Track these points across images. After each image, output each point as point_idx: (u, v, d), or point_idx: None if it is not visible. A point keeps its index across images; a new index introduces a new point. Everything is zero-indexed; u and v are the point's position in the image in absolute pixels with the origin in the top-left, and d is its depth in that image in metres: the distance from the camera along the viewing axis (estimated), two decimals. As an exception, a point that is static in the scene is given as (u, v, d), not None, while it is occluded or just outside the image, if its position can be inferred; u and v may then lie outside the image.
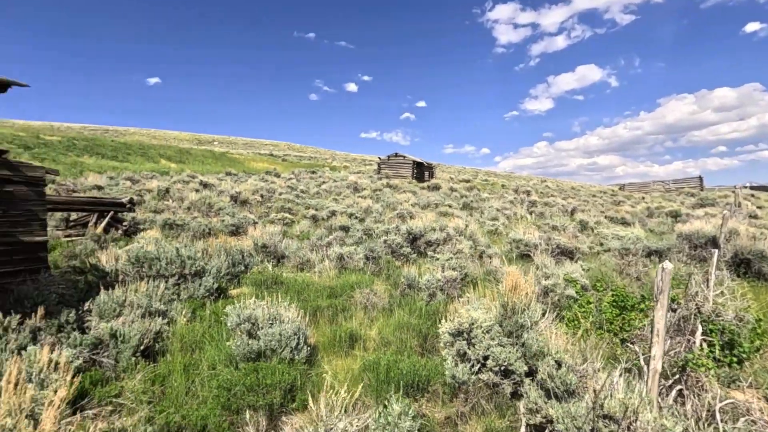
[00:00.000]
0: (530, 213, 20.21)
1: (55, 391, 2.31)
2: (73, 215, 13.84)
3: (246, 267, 8.48)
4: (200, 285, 6.44)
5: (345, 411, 2.87)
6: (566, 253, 10.41)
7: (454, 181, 36.79)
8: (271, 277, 7.67)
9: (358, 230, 12.26)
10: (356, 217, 15.63)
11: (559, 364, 3.55)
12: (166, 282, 6.18)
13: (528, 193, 28.31)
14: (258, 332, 4.25)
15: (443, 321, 4.51)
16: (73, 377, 2.62)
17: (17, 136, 28.59)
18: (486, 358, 4.00)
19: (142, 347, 4.31)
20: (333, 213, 16.04)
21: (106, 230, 12.29)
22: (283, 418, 3.39)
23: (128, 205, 13.35)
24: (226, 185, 21.86)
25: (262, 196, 20.31)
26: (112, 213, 12.76)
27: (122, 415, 3.32)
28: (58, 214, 13.48)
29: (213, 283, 6.56)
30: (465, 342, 4.11)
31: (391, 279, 7.95)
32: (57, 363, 2.85)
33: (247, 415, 3.09)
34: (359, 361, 4.44)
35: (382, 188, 26.55)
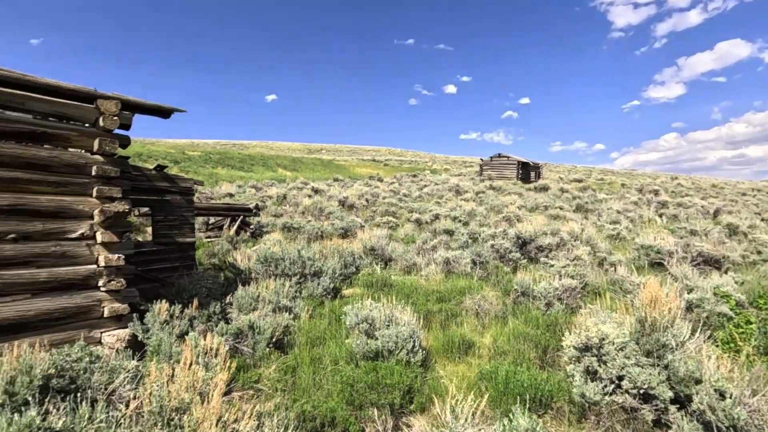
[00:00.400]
0: (659, 215, 17.79)
1: (217, 374, 2.69)
2: (211, 219, 15.99)
3: (357, 269, 8.89)
4: (318, 284, 6.93)
5: (468, 419, 2.81)
6: (711, 263, 8.93)
7: (564, 181, 34.14)
8: (381, 279, 7.92)
9: (462, 234, 12.06)
10: (460, 221, 15.40)
11: (722, 395, 3.03)
12: (290, 281, 6.78)
13: (656, 192, 24.98)
14: (375, 333, 4.42)
15: (566, 333, 4.19)
16: (229, 363, 3.02)
17: (168, 153, 34.11)
18: (620, 378, 3.61)
19: (273, 339, 4.77)
20: (436, 216, 16.02)
21: (237, 232, 13.96)
22: (404, 419, 3.46)
23: (254, 210, 14.99)
24: (334, 190, 23.27)
25: (367, 200, 21.17)
26: (241, 217, 14.45)
27: (261, 399, 3.70)
28: (200, 219, 15.71)
29: (329, 284, 7.00)
30: (594, 359, 3.75)
31: (501, 285, 7.64)
32: (217, 349, 3.31)
33: (375, 413, 3.22)
34: (474, 369, 4.33)
35: (485, 190, 25.76)
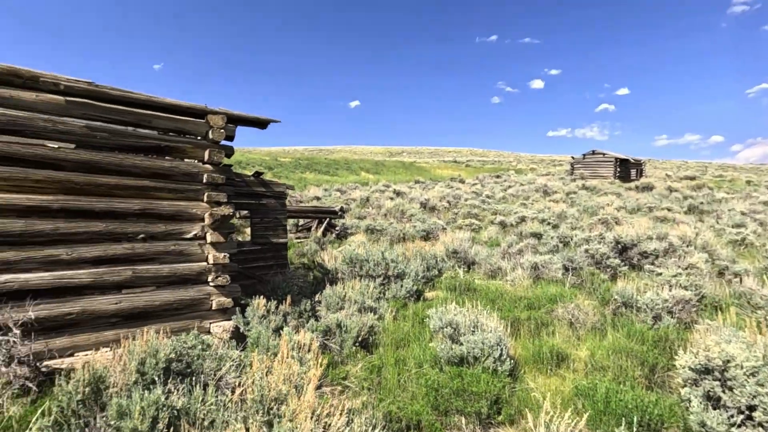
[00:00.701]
0: (800, 218, 14.98)
1: (310, 368, 2.85)
2: (301, 221, 17.02)
3: (439, 271, 8.82)
4: (401, 286, 6.99)
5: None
6: None
7: (672, 178, 30.44)
8: (464, 283, 7.76)
9: (552, 237, 11.33)
10: (549, 223, 14.50)
11: None
12: (374, 282, 6.94)
13: (794, 190, 21.11)
14: (460, 338, 4.33)
15: (679, 352, 3.71)
16: (321, 359, 3.18)
17: (263, 160, 37.08)
18: (752, 408, 3.10)
19: (359, 338, 4.92)
20: (522, 219, 15.28)
21: (323, 234, 14.68)
22: (491, 430, 3.34)
23: (339, 213, 15.64)
24: (416, 193, 23.36)
25: (448, 202, 20.92)
26: (328, 219, 15.17)
27: (349, 396, 3.83)
28: (291, 221, 16.81)
29: (412, 286, 7.03)
30: (717, 383, 3.27)
31: (597, 294, 7.02)
32: (309, 345, 3.52)
33: (461, 421, 3.16)
34: (568, 383, 4.03)
35: (577, 191, 23.95)
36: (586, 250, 8.95)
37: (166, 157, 5.01)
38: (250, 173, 9.24)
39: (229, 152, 5.38)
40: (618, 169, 32.88)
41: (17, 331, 3.58)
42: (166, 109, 4.92)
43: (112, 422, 2.55)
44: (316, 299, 6.23)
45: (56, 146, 4.19)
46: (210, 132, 5.16)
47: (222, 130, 5.23)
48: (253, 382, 2.67)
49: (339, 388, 4.02)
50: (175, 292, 4.76)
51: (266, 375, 2.73)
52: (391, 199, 21.03)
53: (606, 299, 6.53)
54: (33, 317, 3.74)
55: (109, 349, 4.06)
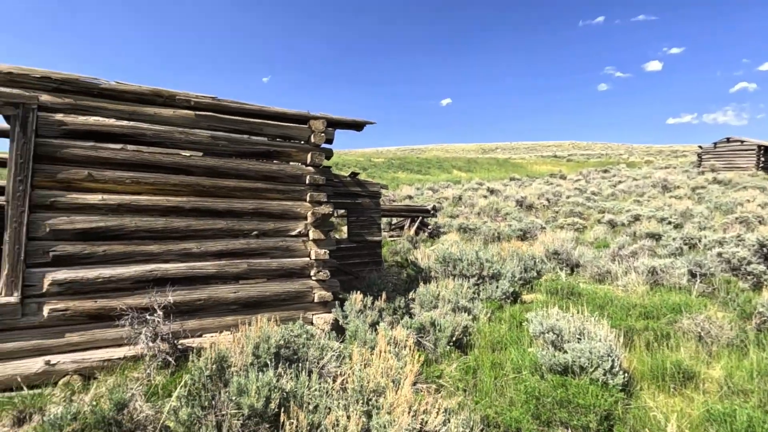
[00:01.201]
0: None
1: (406, 364, 2.90)
2: (394, 220, 17.36)
3: (538, 273, 8.33)
4: (497, 287, 6.75)
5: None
6: None
7: (841, 168, 24.76)
8: (566, 286, 7.22)
9: (673, 239, 9.98)
10: (669, 222, 12.79)
11: None
12: (468, 282, 6.80)
13: None
14: (564, 345, 4.04)
15: None
16: (417, 355, 3.23)
17: (358, 161, 38.61)
18: None
19: (453, 338, 4.86)
20: (636, 218, 13.70)
21: (416, 232, 14.79)
22: (601, 449, 3.05)
23: (432, 212, 15.63)
24: (511, 190, 22.35)
25: (547, 200, 19.63)
26: (420, 218, 15.25)
27: (443, 395, 3.81)
28: (384, 219, 17.25)
29: (508, 287, 6.74)
30: None
31: (734, 305, 6.01)
32: (405, 341, 3.58)
33: (566, 434, 2.95)
34: (698, 406, 3.51)
35: (706, 185, 20.75)
36: (720, 254, 7.71)
37: (274, 161, 5.48)
38: (346, 174, 9.70)
39: (329, 154, 5.71)
40: (761, 159, 27.68)
41: (160, 312, 4.22)
42: (275, 117, 5.39)
43: (233, 398, 2.87)
44: (410, 297, 6.30)
45: (188, 154, 4.85)
46: (312, 136, 5.53)
47: (322, 134, 5.56)
48: (352, 373, 2.79)
49: (433, 386, 4.01)
50: (282, 284, 5.20)
51: (364, 367, 2.84)
52: (485, 197, 20.40)
53: (747, 312, 5.56)
54: (171, 301, 4.38)
55: (229, 332, 4.58)
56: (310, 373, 3.32)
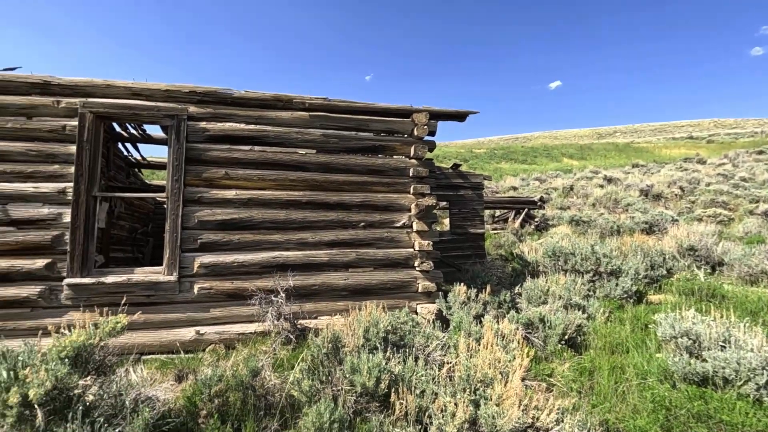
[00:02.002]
0: None
1: (515, 357, 2.83)
2: (497, 212, 16.76)
3: (668, 271, 7.35)
4: (616, 285, 6.13)
5: None
6: None
7: None
8: (705, 287, 6.25)
9: None
10: None
11: None
12: (582, 278, 6.30)
13: None
14: (702, 352, 3.53)
15: None
16: (527, 350, 3.12)
17: (459, 153, 38.00)
18: None
19: (565, 337, 4.56)
20: (804, 207, 11.21)
21: (521, 225, 14.10)
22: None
23: (539, 203, 14.73)
24: (634, 178, 19.93)
25: (681, 188, 17.09)
26: (526, 210, 14.49)
27: (554, 395, 3.62)
28: (487, 211, 16.75)
29: (631, 285, 6.08)
30: None
31: None
32: (512, 335, 3.49)
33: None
34: None
35: None
36: None
37: (378, 155, 5.71)
38: (447, 166, 9.64)
39: (431, 147, 5.75)
40: None
41: (282, 294, 4.73)
42: (379, 112, 5.60)
43: (347, 375, 3.10)
44: (516, 291, 6.07)
45: (304, 152, 5.30)
46: (415, 129, 5.62)
47: (425, 127, 5.62)
48: (459, 363, 2.82)
49: (543, 384, 3.83)
50: (388, 273, 5.41)
51: (471, 358, 2.85)
52: (601, 186, 18.54)
53: None
54: (292, 285, 4.87)
55: (340, 315, 4.94)
56: (416, 359, 3.43)
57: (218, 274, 4.83)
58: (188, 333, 4.63)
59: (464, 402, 2.41)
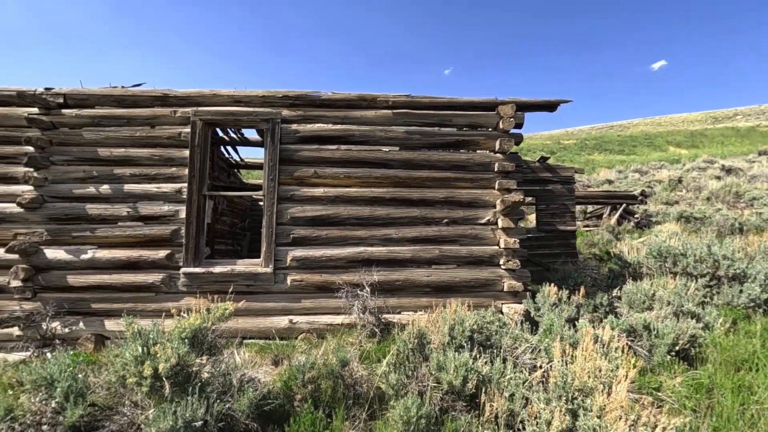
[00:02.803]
0: None
1: (618, 367, 2.59)
2: (589, 208, 15.52)
3: (810, 277, 6.19)
4: (740, 292, 5.32)
5: None
6: None
7: None
8: None
9: None
10: None
11: None
12: (695, 282, 5.57)
13: None
14: None
15: None
16: (634, 360, 2.85)
17: (545, 145, 35.81)
18: None
19: (676, 348, 4.07)
20: None
21: (618, 222, 12.88)
22: None
23: (639, 198, 13.33)
24: (761, 168, 17.12)
25: (826, 178, 14.30)
26: (624, 205, 13.21)
27: (664, 411, 3.25)
28: (578, 207, 15.57)
29: (760, 293, 5.23)
30: None
31: None
32: (611, 342, 3.21)
33: None
34: None
35: None
36: None
37: (461, 150, 5.59)
38: (531, 159, 9.14)
39: (518, 140, 5.49)
40: None
41: (368, 289, 4.86)
42: (463, 106, 5.48)
43: (433, 372, 3.10)
44: (614, 294, 5.56)
45: (387, 150, 5.38)
46: (500, 122, 5.41)
47: (511, 119, 5.38)
48: (552, 368, 2.66)
49: (649, 398, 3.47)
50: (471, 271, 5.29)
51: (566, 364, 2.67)
52: (718, 178, 16.22)
53: None
54: (376, 280, 4.99)
55: (423, 312, 4.94)
56: (504, 360, 3.31)
57: (308, 267, 5.11)
58: (282, 321, 4.98)
59: (560, 410, 2.26)
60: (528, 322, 4.73)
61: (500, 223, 5.31)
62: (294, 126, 5.26)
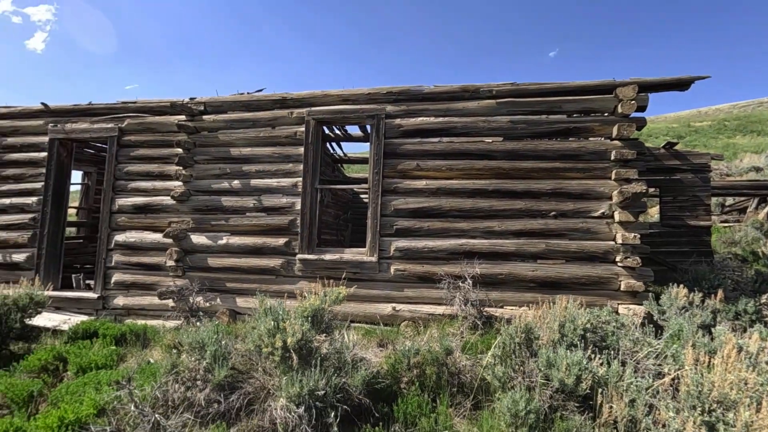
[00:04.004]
0: None
1: (770, 383, 2.25)
2: (728, 200, 13.33)
3: None
4: None
5: None
6: None
7: None
8: None
9: None
10: None
11: None
12: None
13: None
14: None
15: None
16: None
17: (670, 128, 31.38)
18: None
19: None
20: None
21: (769, 217, 10.88)
22: None
23: (800, 188, 11.06)
24: None
25: None
26: (777, 197, 11.09)
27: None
28: (713, 199, 13.45)
29: None
30: None
31: None
32: (758, 352, 2.78)
33: None
34: None
35: None
36: None
37: (570, 138, 5.24)
38: (653, 146, 8.16)
39: (640, 124, 4.96)
40: None
41: (469, 281, 4.86)
42: (574, 91, 5.12)
43: (542, 368, 3.01)
44: (763, 300, 4.75)
45: (490, 141, 5.27)
46: (618, 106, 4.95)
47: (632, 102, 4.89)
48: (684, 375, 2.41)
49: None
50: (582, 267, 4.96)
51: (702, 373, 2.39)
52: None
53: None
54: (478, 272, 4.96)
55: (527, 308, 4.78)
56: (623, 363, 3.08)
57: (410, 257, 5.27)
58: (386, 308, 5.22)
59: (694, 421, 2.05)
60: (650, 326, 4.31)
61: (617, 217, 4.87)
62: (397, 120, 5.43)
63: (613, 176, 4.93)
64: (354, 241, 11.19)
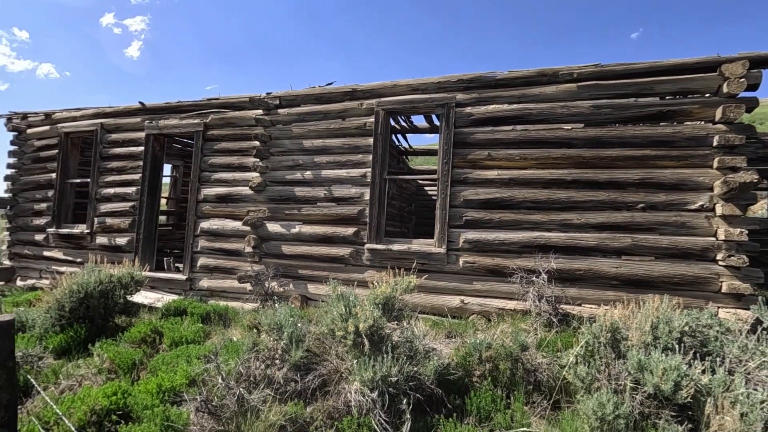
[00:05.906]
0: None
1: None
2: None
3: None
4: None
5: None
6: None
7: None
8: None
9: None
10: None
11: None
12: None
13: None
14: None
15: None
16: None
17: (779, 113, 27.39)
18: None
19: None
20: None
21: None
22: None
23: None
24: None
25: None
26: None
27: None
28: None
29: None
30: None
31: None
32: None
33: None
34: None
35: None
36: None
37: (662, 123, 4.74)
38: (763, 131, 7.17)
39: (752, 105, 4.36)
40: None
41: (544, 276, 4.61)
42: (668, 71, 4.63)
43: (631, 372, 2.77)
44: None
45: (569, 127, 4.94)
46: (724, 85, 4.38)
47: (741, 80, 4.30)
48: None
49: None
50: (674, 265, 4.49)
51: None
52: None
53: None
54: (554, 267, 4.68)
55: (608, 307, 4.43)
56: (729, 372, 2.74)
57: (480, 250, 5.12)
58: (454, 300, 5.13)
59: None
60: (763, 332, 3.81)
61: (719, 210, 4.34)
62: (468, 109, 5.27)
63: (715, 164, 4.39)
64: (418, 233, 11.14)
